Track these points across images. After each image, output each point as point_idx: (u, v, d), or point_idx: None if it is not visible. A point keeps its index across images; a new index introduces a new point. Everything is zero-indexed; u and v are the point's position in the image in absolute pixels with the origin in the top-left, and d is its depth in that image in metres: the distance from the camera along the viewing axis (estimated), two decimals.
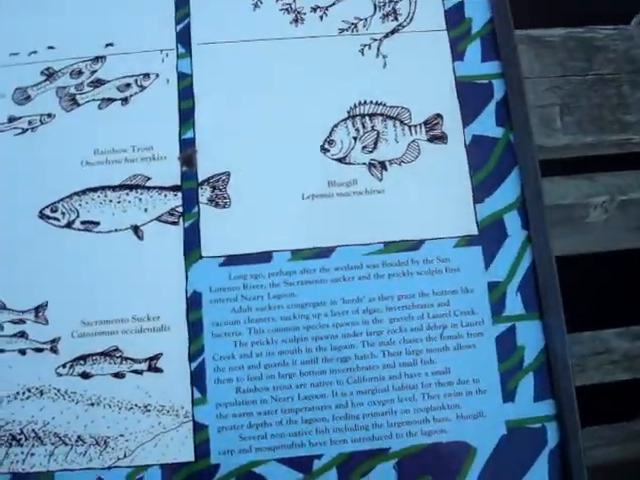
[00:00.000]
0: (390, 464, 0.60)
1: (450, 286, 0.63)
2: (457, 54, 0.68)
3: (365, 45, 0.68)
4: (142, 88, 0.67)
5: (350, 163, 0.66)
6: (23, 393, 0.61)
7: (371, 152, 0.66)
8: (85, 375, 0.62)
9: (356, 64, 0.68)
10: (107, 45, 0.68)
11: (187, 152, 0.65)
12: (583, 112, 0.76)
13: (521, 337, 0.62)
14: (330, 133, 0.66)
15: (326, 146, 0.65)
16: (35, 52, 0.68)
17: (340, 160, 0.65)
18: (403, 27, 0.69)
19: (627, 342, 0.85)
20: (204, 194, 0.65)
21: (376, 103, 0.67)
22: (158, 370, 0.61)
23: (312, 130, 0.66)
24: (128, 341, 0.62)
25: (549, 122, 0.75)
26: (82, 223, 0.64)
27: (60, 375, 0.61)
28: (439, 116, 0.67)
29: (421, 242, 0.64)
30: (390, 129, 0.66)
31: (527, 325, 0.63)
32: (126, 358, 0.62)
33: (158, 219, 0.64)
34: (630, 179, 0.78)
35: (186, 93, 0.67)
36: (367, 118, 0.66)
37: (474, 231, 0.64)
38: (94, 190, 0.64)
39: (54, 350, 0.62)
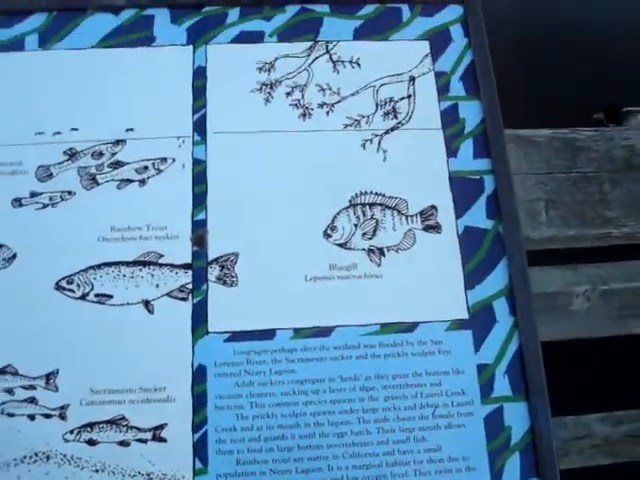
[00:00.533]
0: None
1: (442, 367, 0.69)
2: (451, 151, 0.76)
3: (367, 140, 0.76)
4: (159, 171, 0.73)
5: (351, 248, 0.72)
6: (30, 457, 0.65)
7: (370, 239, 0.72)
8: (91, 442, 0.66)
9: (358, 157, 0.75)
10: (127, 130, 0.75)
11: (199, 233, 0.71)
12: (567, 207, 0.83)
13: (508, 418, 0.68)
14: (333, 220, 0.73)
15: (329, 232, 0.72)
16: (59, 133, 0.75)
17: (341, 245, 0.72)
18: (402, 125, 0.77)
19: (608, 427, 0.90)
20: (213, 272, 0.70)
21: (376, 193, 0.74)
22: (162, 440, 0.66)
23: (316, 216, 0.73)
24: (134, 410, 0.66)
25: (535, 215, 0.82)
26: (96, 296, 0.69)
27: (67, 441, 0.65)
28: (434, 207, 0.74)
29: (415, 324, 0.70)
30: (388, 218, 0.73)
31: (514, 406, 0.68)
32: (132, 427, 0.66)
33: (169, 294, 0.70)
34: (611, 270, 0.85)
35: (200, 178, 0.73)
36: (367, 207, 0.73)
37: (465, 315, 0.70)
38: (109, 265, 0.70)
39: (62, 417, 0.66)
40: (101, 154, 0.74)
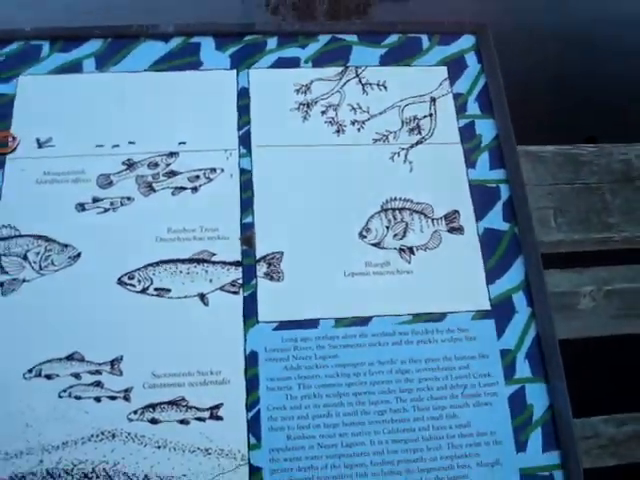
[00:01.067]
0: None
1: (469, 352, 0.78)
2: (470, 162, 0.87)
3: (395, 153, 0.87)
4: (209, 180, 0.83)
5: (384, 247, 0.82)
6: (97, 436, 0.73)
7: (401, 239, 0.82)
8: (154, 421, 0.74)
9: (387, 168, 0.86)
10: (180, 143, 0.85)
11: (247, 234, 0.81)
12: (572, 215, 0.94)
13: (530, 397, 0.77)
14: (367, 223, 0.83)
15: (364, 233, 0.82)
16: (117, 145, 0.85)
17: (375, 245, 0.82)
18: (426, 139, 0.88)
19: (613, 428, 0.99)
20: (261, 269, 0.80)
21: (404, 200, 0.84)
22: (219, 418, 0.74)
23: (352, 219, 0.83)
24: (193, 392, 0.75)
25: (545, 222, 0.93)
26: (155, 290, 0.78)
27: (131, 420, 0.73)
28: (457, 212, 0.84)
29: (444, 315, 0.79)
30: (416, 221, 0.83)
31: (534, 387, 0.77)
32: (191, 407, 0.74)
33: (221, 289, 0.79)
34: (614, 272, 0.96)
35: (247, 185, 0.83)
36: (397, 211, 0.83)
37: (487, 307, 0.80)
38: (166, 262, 0.79)
39: (127, 398, 0.74)
40: (156, 165, 0.84)
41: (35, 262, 0.79)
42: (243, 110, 0.87)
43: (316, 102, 0.88)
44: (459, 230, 0.84)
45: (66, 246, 0.80)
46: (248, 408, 0.75)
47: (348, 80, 0.90)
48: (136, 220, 0.81)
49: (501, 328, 0.80)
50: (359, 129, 0.88)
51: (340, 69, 0.91)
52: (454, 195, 0.85)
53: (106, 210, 0.82)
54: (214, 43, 0.91)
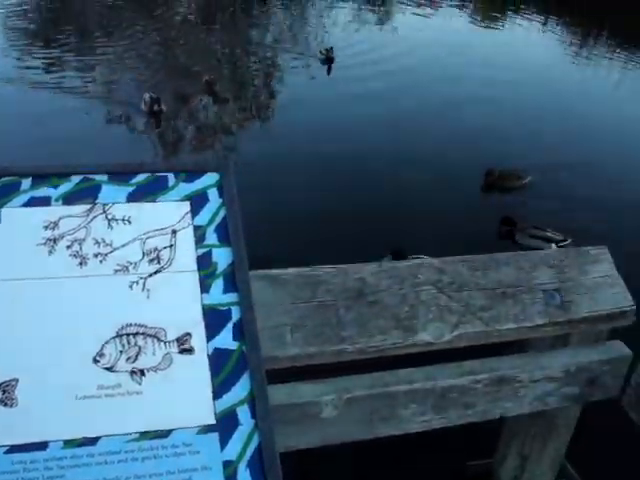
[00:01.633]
0: None
1: (192, 465, 0.87)
2: (204, 287, 0.98)
3: (134, 282, 0.97)
4: None
5: (116, 371, 0.91)
6: None
7: (133, 362, 0.92)
8: None
9: (126, 296, 0.96)
10: None
11: None
12: (308, 329, 1.06)
13: None
14: (102, 348, 0.92)
15: (97, 358, 0.91)
16: None
17: (108, 369, 0.91)
18: (164, 268, 0.99)
19: None
20: None
21: (139, 325, 0.94)
22: None
23: (89, 346, 0.91)
24: None
25: (281, 338, 1.05)
26: None
27: None
28: (188, 334, 0.95)
29: (170, 431, 0.88)
30: (149, 345, 0.93)
31: None
32: None
33: None
34: (354, 380, 1.08)
35: None
36: (132, 336, 0.93)
37: (212, 421, 0.90)
38: None
39: None
40: None
41: None
42: None
43: (62, 237, 0.98)
44: (189, 351, 0.94)
45: None
46: None
47: (95, 216, 1.01)
48: None
49: (225, 440, 0.89)
50: (101, 261, 0.98)
51: (89, 206, 1.02)
52: (187, 319, 0.96)
53: None
54: None
